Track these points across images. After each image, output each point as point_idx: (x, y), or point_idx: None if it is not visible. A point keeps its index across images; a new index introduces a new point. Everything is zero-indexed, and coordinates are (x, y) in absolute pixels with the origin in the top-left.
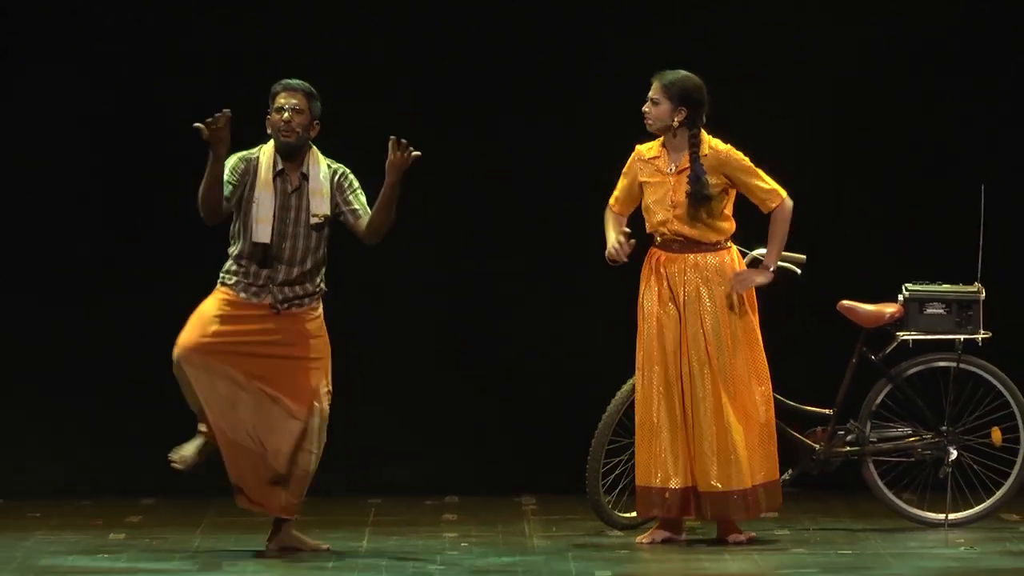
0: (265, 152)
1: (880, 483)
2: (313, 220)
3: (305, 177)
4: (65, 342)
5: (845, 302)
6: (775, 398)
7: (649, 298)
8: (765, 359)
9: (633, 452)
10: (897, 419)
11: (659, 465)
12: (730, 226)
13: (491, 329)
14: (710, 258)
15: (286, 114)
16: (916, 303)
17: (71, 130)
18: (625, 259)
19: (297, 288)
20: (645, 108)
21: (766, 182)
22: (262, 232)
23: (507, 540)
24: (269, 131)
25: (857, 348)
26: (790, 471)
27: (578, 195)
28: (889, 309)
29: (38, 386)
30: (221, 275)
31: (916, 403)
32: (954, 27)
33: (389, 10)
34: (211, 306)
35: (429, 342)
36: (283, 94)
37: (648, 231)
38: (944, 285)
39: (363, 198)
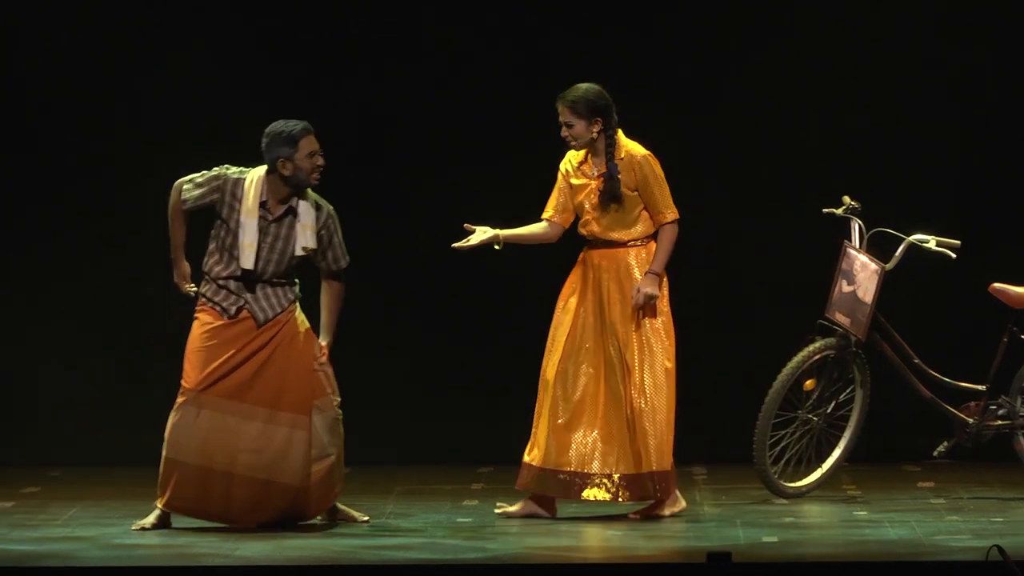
0: (252, 180)
1: None
2: (300, 253)
3: (293, 211)
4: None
5: (996, 285)
6: (931, 374)
7: (571, 290)
8: (674, 351)
9: (799, 425)
10: None
11: (562, 447)
12: (645, 228)
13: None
14: (629, 254)
15: (320, 159)
16: None
17: None
18: (465, 247)
19: (272, 297)
20: (563, 133)
21: (667, 196)
22: (246, 258)
23: None
24: (288, 173)
25: (1008, 328)
26: (945, 443)
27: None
28: None
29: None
30: (201, 295)
31: None
32: None
33: None
34: (199, 339)
35: None
36: (309, 138)
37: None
38: None
39: (341, 242)
